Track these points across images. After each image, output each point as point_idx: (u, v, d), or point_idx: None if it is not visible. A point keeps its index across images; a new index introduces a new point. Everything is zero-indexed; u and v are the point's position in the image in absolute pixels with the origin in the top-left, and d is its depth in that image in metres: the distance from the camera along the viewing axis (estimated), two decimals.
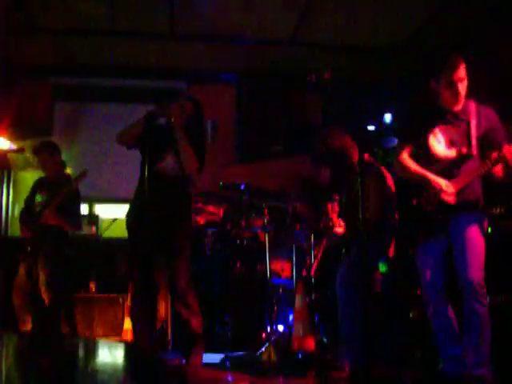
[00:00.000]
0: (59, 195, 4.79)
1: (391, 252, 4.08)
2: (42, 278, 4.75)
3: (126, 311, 5.25)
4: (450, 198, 3.32)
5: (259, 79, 7.03)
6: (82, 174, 4.87)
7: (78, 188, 4.99)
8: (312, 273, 4.66)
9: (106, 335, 5.45)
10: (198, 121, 4.06)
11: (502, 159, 3.18)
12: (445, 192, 3.31)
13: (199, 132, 4.05)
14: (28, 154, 5.55)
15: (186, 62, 6.71)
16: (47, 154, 5.03)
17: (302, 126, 6.61)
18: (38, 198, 5.01)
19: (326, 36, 6.08)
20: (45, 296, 4.72)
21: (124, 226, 3.98)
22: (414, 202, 3.48)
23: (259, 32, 6.01)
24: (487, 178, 3.40)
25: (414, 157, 3.57)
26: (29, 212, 5.03)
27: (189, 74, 6.90)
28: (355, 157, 4.08)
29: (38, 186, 5.12)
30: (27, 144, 5.74)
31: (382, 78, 6.56)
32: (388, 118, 6.64)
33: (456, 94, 3.36)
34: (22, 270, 4.86)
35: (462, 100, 3.40)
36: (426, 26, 5.72)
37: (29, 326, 4.78)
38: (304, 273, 4.78)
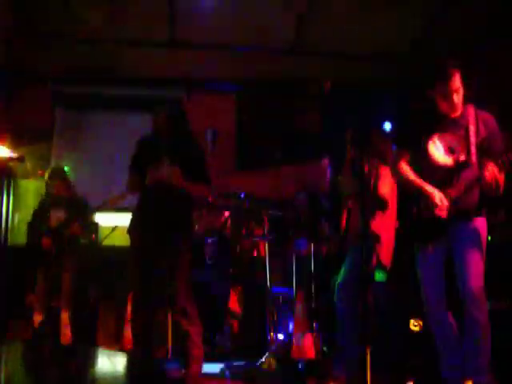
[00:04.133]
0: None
1: (385, 258, 4.04)
2: (65, 286, 5.22)
3: (126, 320, 5.23)
4: (442, 213, 3.30)
5: (259, 87, 7.04)
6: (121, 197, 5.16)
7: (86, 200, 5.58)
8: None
9: (106, 344, 5.44)
10: (186, 137, 4.03)
11: (482, 176, 3.16)
12: (438, 206, 3.30)
13: (192, 149, 4.01)
14: (28, 163, 5.60)
15: (185, 71, 6.73)
16: (60, 180, 5.50)
17: (302, 134, 6.62)
18: (57, 214, 5.45)
19: (325, 43, 6.09)
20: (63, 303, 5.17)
21: (123, 233, 3.98)
22: (414, 209, 3.47)
23: (258, 40, 6.03)
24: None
25: (414, 164, 3.57)
26: (42, 225, 5.46)
27: (189, 82, 6.91)
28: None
29: (51, 204, 5.51)
30: (27, 151, 5.76)
31: (382, 85, 6.58)
32: (388, 126, 6.66)
33: (451, 104, 3.36)
34: (40, 279, 5.27)
35: (459, 107, 3.41)
36: (426, 32, 5.74)
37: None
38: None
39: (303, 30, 5.82)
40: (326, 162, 5.06)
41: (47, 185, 5.58)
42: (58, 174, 5.58)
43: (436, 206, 3.30)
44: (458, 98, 3.36)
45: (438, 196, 3.32)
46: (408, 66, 6.13)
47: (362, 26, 5.73)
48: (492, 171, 3.11)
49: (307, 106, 6.73)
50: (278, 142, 6.67)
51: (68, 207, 5.50)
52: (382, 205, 3.94)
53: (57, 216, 5.47)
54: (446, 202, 3.30)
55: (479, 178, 3.26)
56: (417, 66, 5.77)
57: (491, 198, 3.36)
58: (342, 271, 3.99)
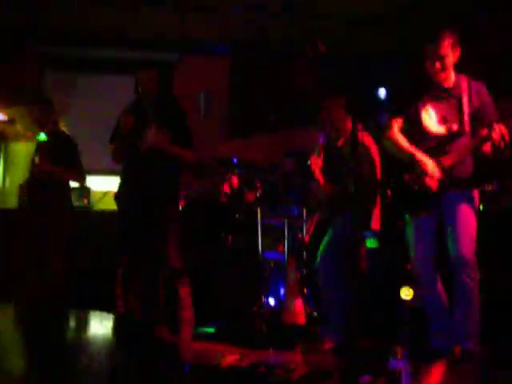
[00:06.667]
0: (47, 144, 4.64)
1: (375, 225, 4.03)
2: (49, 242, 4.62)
3: (118, 283, 5.25)
4: (432, 183, 3.30)
5: (253, 50, 6.93)
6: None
7: (71, 139, 4.85)
8: (304, 245, 4.67)
9: (98, 307, 5.46)
10: (171, 101, 4.02)
11: (490, 138, 3.16)
12: (430, 176, 3.29)
13: (177, 113, 4.00)
14: (18, 125, 5.45)
15: (178, 33, 6.60)
16: (41, 109, 4.83)
17: (297, 98, 6.55)
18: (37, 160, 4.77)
19: (321, 5, 5.98)
20: (52, 262, 4.65)
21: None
22: (406, 177, 3.46)
23: (252, 1, 5.92)
24: (476, 155, 3.39)
25: (407, 132, 3.55)
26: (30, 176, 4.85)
27: (181, 45, 6.79)
28: (348, 125, 4.01)
29: (37, 150, 4.87)
30: (17, 114, 5.64)
31: (378, 51, 6.50)
32: (382, 92, 6.60)
33: (441, 68, 3.33)
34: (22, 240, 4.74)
35: (450, 75, 3.39)
36: None
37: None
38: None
39: None
40: (318, 127, 5.02)
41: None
42: (37, 100, 4.94)
43: (427, 174, 3.30)
44: (448, 63, 3.34)
45: (430, 165, 3.31)
46: (407, 33, 6.04)
47: None
48: (499, 132, 3.11)
49: (303, 69, 6.64)
50: (272, 104, 6.59)
51: (52, 150, 4.71)
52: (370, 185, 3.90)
53: (39, 162, 4.72)
54: (437, 174, 3.29)
55: (474, 147, 3.27)
56: (416, 32, 5.72)
57: (485, 167, 3.37)
58: (326, 237, 3.98)
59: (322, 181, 4.16)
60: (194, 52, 6.85)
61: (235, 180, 5.26)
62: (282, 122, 5.47)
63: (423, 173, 3.31)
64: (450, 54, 3.32)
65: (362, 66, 6.40)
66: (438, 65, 3.33)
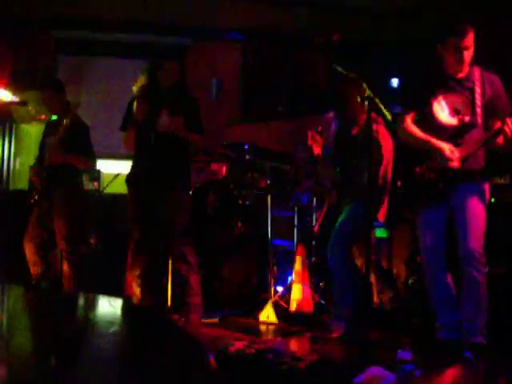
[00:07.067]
0: (60, 130, 4.47)
1: (381, 215, 4.00)
2: (57, 227, 4.48)
3: (128, 267, 5.28)
4: (454, 164, 3.28)
5: (265, 38, 6.89)
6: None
7: (83, 122, 4.69)
8: (314, 233, 4.66)
9: (107, 291, 5.48)
10: (182, 87, 4.03)
11: (503, 131, 3.14)
12: (449, 157, 3.28)
13: (188, 98, 4.02)
14: (30, 107, 5.42)
15: (191, 19, 6.57)
16: (53, 91, 4.64)
17: (308, 87, 6.52)
18: (47, 142, 4.62)
19: None
20: (60, 246, 4.52)
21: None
22: (418, 168, 3.45)
23: None
24: (489, 148, 3.36)
25: (418, 124, 3.52)
26: (40, 159, 4.72)
27: (194, 30, 6.76)
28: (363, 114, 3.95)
29: (46, 130, 4.75)
30: (30, 96, 5.63)
31: (390, 42, 6.44)
32: (395, 82, 6.56)
33: (461, 61, 3.30)
34: (32, 220, 4.56)
35: (467, 67, 3.35)
36: None
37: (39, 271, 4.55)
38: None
39: None
40: (330, 115, 4.99)
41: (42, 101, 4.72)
42: (50, 83, 4.73)
43: (448, 158, 3.28)
44: (468, 55, 3.30)
45: (447, 148, 3.29)
46: (420, 24, 5.99)
47: None
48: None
49: (314, 59, 6.60)
50: (282, 94, 6.57)
51: (64, 132, 4.49)
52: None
53: (49, 144, 4.56)
54: (456, 154, 3.27)
55: (488, 139, 3.24)
56: (429, 24, 5.66)
57: (497, 160, 3.34)
58: (337, 225, 3.97)
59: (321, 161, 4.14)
60: (206, 38, 6.80)
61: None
62: (291, 112, 5.47)
63: (443, 157, 3.29)
64: (472, 46, 3.29)
65: (375, 56, 6.35)
66: (459, 56, 3.29)
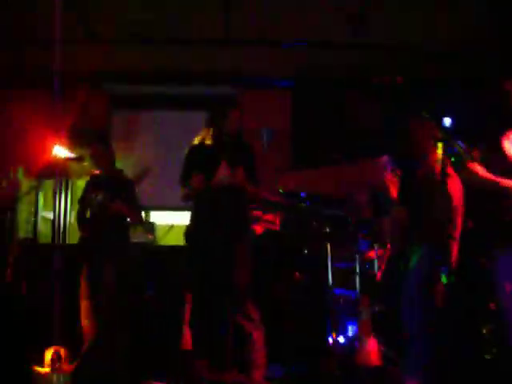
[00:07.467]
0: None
1: (453, 260, 3.83)
2: (108, 278, 4.42)
3: (186, 321, 5.17)
4: None
5: (315, 84, 6.88)
6: (146, 171, 4.83)
7: (127, 176, 4.84)
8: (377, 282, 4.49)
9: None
10: (239, 137, 4.00)
11: None
12: None
13: (246, 149, 4.01)
14: (86, 163, 5.49)
15: (240, 68, 6.65)
16: (102, 148, 4.74)
17: (361, 131, 6.44)
18: (97, 197, 4.60)
19: (383, 37, 5.90)
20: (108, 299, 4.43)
21: (180, 233, 3.96)
22: (490, 208, 3.29)
23: (314, 35, 5.89)
24: None
25: (487, 161, 3.38)
26: (84, 212, 4.74)
27: (243, 80, 6.82)
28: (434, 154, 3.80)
29: (92, 185, 4.76)
30: (85, 152, 5.74)
31: (442, 80, 6.36)
32: (447, 121, 6.40)
33: None
34: (83, 283, 4.51)
35: None
36: (489, 27, 5.51)
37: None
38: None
39: (359, 23, 5.62)
40: (385, 158, 4.88)
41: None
42: (99, 140, 4.82)
43: None
44: None
45: None
46: (471, 61, 5.90)
47: (422, 17, 5.53)
48: None
49: (365, 102, 6.54)
50: (335, 140, 6.50)
51: (108, 187, 4.59)
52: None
53: (97, 200, 4.58)
54: None
55: None
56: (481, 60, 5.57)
57: None
58: (403, 272, 3.79)
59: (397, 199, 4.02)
60: (255, 87, 6.85)
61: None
62: (346, 160, 5.36)
63: None
64: None
65: (426, 94, 6.25)
66: None
